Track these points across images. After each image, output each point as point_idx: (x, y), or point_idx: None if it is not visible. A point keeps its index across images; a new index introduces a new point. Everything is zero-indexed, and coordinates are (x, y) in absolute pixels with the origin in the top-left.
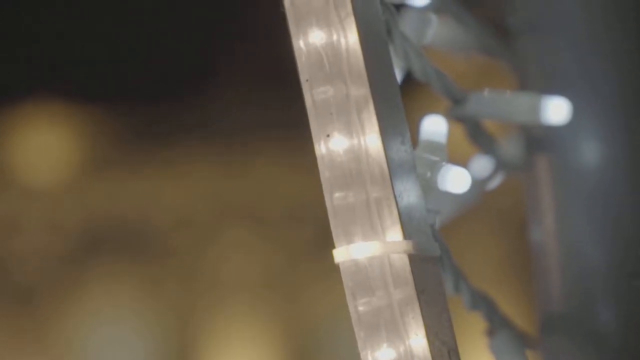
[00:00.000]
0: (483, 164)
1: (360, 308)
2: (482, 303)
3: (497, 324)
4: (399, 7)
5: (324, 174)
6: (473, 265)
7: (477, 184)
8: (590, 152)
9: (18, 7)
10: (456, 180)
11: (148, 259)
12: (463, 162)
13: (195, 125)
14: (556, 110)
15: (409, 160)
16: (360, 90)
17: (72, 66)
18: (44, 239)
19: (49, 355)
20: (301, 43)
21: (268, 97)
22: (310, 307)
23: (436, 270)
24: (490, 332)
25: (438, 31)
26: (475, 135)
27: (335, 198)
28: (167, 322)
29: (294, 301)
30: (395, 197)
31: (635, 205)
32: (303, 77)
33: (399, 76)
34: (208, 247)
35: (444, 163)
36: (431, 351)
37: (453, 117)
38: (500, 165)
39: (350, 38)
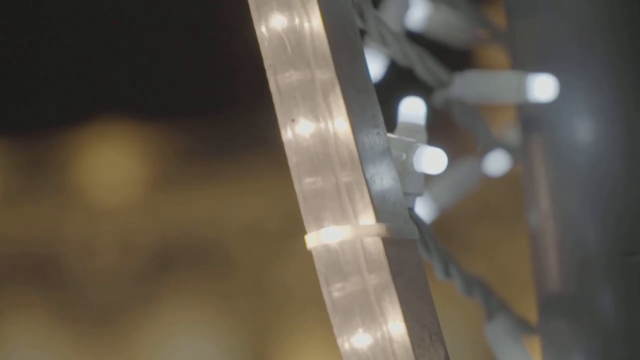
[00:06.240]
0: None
1: (335, 294)
2: (477, 288)
3: (493, 309)
4: None
5: (292, 159)
6: None
7: (475, 168)
8: (583, 130)
9: (84, 28)
10: (431, 160)
11: (219, 274)
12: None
13: (260, 137)
14: (542, 87)
15: (381, 143)
16: (326, 74)
17: (137, 85)
18: (117, 258)
19: None
20: (263, 28)
21: None
22: None
23: (414, 253)
24: (487, 318)
25: (431, 17)
26: (464, 117)
27: (304, 183)
28: (242, 337)
29: None
30: (366, 180)
31: (628, 182)
32: (266, 62)
33: (384, 62)
34: (279, 260)
35: (419, 144)
36: (410, 335)
37: (438, 100)
38: (498, 147)
39: (314, 22)
